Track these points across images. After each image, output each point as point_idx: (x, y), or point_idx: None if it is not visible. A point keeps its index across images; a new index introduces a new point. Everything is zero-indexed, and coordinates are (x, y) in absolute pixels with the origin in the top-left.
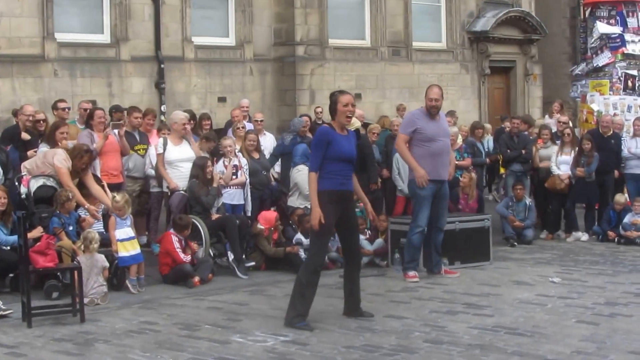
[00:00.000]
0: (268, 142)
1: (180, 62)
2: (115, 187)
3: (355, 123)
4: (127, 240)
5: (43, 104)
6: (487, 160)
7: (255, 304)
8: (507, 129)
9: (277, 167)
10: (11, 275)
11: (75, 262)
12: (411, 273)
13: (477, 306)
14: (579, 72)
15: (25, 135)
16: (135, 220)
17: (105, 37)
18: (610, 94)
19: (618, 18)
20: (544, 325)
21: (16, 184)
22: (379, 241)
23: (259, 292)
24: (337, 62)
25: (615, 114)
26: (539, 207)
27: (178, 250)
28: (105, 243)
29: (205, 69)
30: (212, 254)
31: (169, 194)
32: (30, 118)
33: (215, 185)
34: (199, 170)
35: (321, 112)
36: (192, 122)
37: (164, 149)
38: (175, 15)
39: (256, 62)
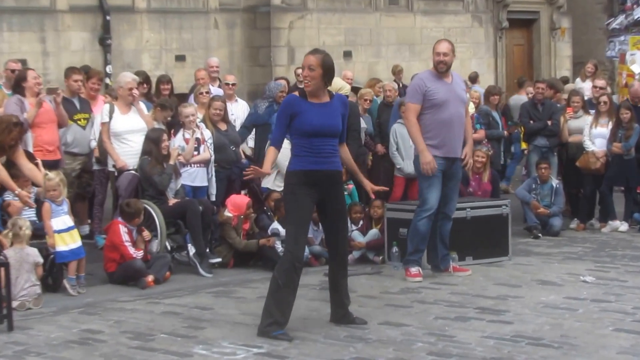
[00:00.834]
0: (241, 110)
1: (129, 13)
2: (51, 166)
3: (344, 87)
4: (65, 232)
5: None
6: (505, 132)
7: (222, 309)
8: (530, 95)
9: (251, 142)
10: None
11: (0, 257)
12: (413, 270)
13: (493, 311)
14: (617, 26)
15: None
16: (76, 205)
17: None
18: None
19: None
20: (575, 335)
21: None
22: (373, 232)
23: (226, 294)
24: (322, 12)
25: None
26: (568, 190)
27: (127, 243)
28: (38, 234)
29: (160, 22)
30: (169, 247)
31: (115, 174)
32: None
33: (172, 162)
34: (152, 145)
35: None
36: (144, 86)
37: (110, 118)
38: None
39: (222, 13)
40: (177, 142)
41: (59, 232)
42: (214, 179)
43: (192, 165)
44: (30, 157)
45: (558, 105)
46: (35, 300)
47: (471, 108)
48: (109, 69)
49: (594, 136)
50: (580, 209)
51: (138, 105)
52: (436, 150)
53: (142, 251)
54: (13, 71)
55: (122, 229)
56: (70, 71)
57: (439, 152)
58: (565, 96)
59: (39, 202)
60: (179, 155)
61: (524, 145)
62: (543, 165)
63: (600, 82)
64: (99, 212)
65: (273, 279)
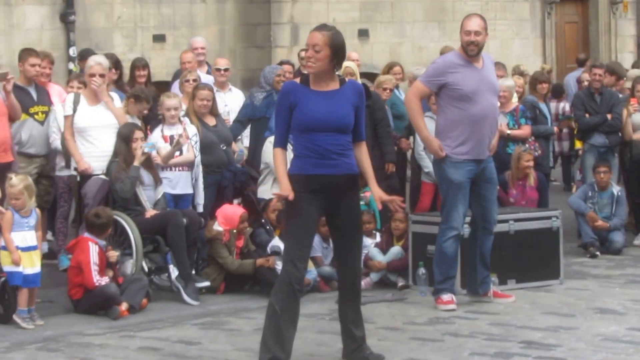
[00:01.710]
0: (235, 101)
1: None
2: (1, 170)
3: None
4: (24, 251)
5: None
6: (555, 128)
7: (211, 344)
8: (585, 82)
9: (246, 140)
10: None
11: None
12: (445, 297)
13: (542, 345)
14: None
15: None
16: None
17: None
18: None
19: None
20: None
21: None
22: (396, 250)
23: (216, 326)
24: None
25: None
26: (631, 199)
27: (94, 267)
28: None
29: None
30: (146, 269)
31: (78, 178)
32: None
33: (136, 164)
34: (122, 144)
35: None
36: (115, 72)
37: (74, 110)
38: None
39: None
40: (154, 139)
41: (20, 250)
42: (200, 185)
43: (173, 168)
44: None
45: (620, 95)
46: None
47: (514, 99)
48: (72, 51)
49: None
50: None
51: (104, 96)
52: (463, 151)
53: (107, 277)
54: None
55: (93, 248)
56: (26, 53)
57: (467, 154)
58: (629, 84)
59: None
60: (149, 155)
61: (578, 145)
62: (602, 168)
63: None
64: (63, 226)
65: (270, 305)
